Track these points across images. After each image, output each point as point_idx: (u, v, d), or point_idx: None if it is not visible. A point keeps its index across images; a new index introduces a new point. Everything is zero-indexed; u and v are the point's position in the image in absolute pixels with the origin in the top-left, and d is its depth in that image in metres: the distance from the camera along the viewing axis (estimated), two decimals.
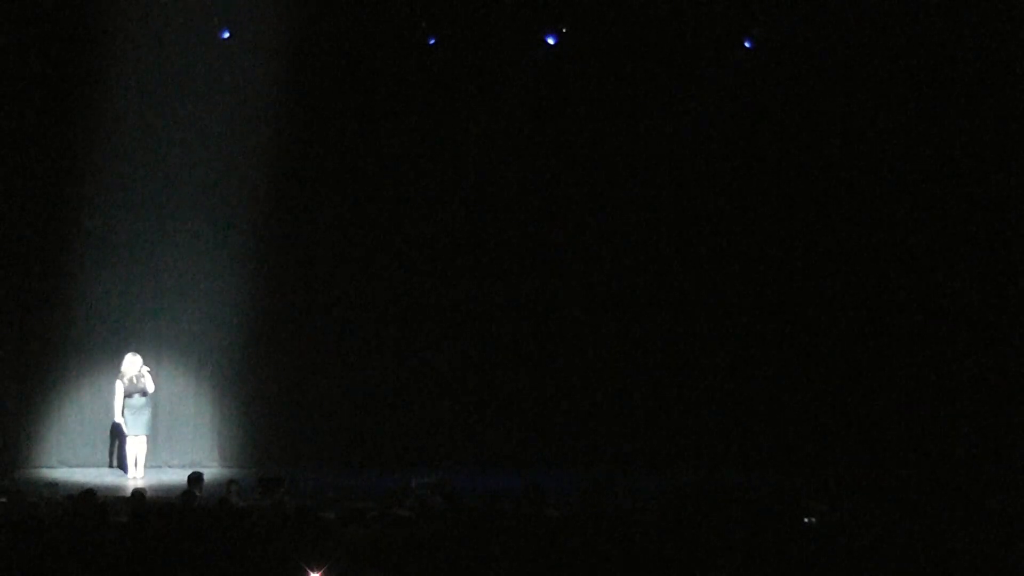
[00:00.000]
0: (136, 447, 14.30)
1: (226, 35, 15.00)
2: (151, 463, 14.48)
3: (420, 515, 9.33)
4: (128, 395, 14.29)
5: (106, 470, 14.66)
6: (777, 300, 15.59)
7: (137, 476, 14.17)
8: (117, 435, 14.64)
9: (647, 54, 15.49)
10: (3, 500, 10.36)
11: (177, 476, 13.66)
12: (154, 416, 14.52)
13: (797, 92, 15.56)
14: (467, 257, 15.56)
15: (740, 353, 15.55)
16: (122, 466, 14.54)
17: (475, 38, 15.38)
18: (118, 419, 14.32)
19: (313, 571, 7.48)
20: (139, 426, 14.30)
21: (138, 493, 10.44)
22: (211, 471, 13.86)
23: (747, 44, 15.48)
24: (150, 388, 14.37)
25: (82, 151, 14.91)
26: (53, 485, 12.96)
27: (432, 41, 15.32)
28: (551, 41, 15.42)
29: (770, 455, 14.99)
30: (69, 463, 14.77)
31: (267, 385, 15.23)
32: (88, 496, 9.89)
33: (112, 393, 14.36)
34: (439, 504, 10.59)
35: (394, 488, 11.89)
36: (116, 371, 14.40)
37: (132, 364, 14.32)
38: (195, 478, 11.69)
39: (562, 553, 8.17)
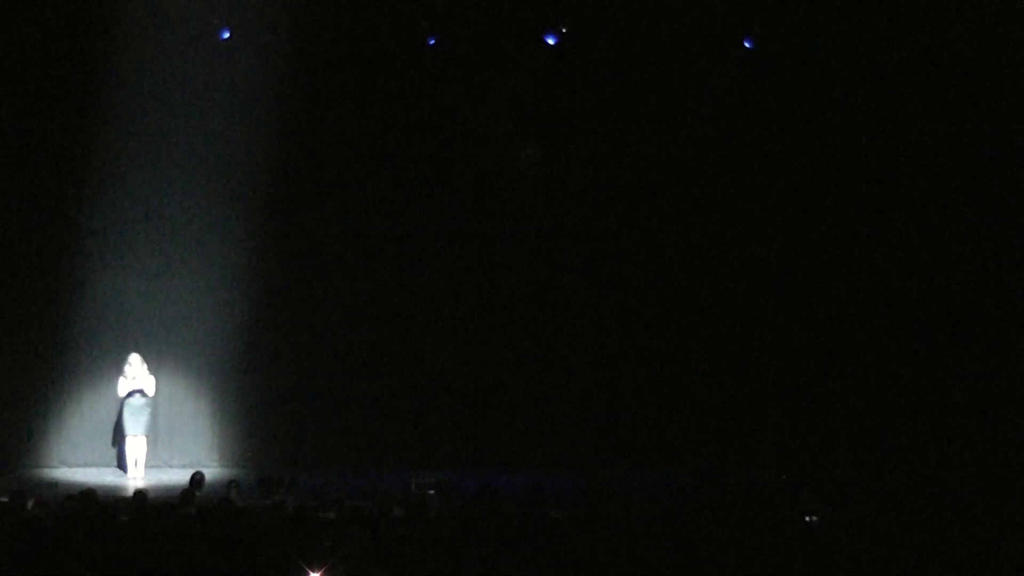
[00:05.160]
0: (136, 447, 14.30)
1: (226, 35, 15.01)
2: (151, 463, 14.49)
3: (419, 515, 9.32)
4: (128, 395, 14.31)
5: (106, 470, 14.65)
6: (778, 299, 15.60)
7: (137, 476, 14.17)
8: (118, 433, 14.64)
9: (647, 54, 15.51)
10: (3, 500, 10.35)
11: (177, 476, 13.67)
12: (154, 417, 14.53)
13: (796, 92, 15.58)
14: (467, 257, 15.57)
15: (741, 353, 15.57)
16: (122, 466, 14.55)
17: (475, 38, 15.39)
18: (122, 395, 14.31)
19: (313, 571, 7.48)
20: (139, 426, 14.31)
21: (139, 493, 10.43)
22: (211, 471, 13.85)
23: (747, 44, 15.50)
24: (150, 391, 14.37)
25: (83, 151, 14.91)
26: (53, 485, 12.97)
27: (432, 41, 15.32)
28: (551, 41, 15.43)
29: (771, 454, 15.00)
30: (69, 463, 14.78)
31: (267, 385, 15.23)
32: (88, 496, 9.89)
33: (116, 391, 14.40)
34: (439, 504, 10.59)
35: (394, 488, 11.90)
36: (118, 371, 14.41)
37: (134, 364, 14.33)
38: (198, 479, 11.69)
39: (562, 553, 8.17)
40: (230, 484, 11.75)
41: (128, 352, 14.41)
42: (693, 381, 15.52)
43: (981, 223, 15.44)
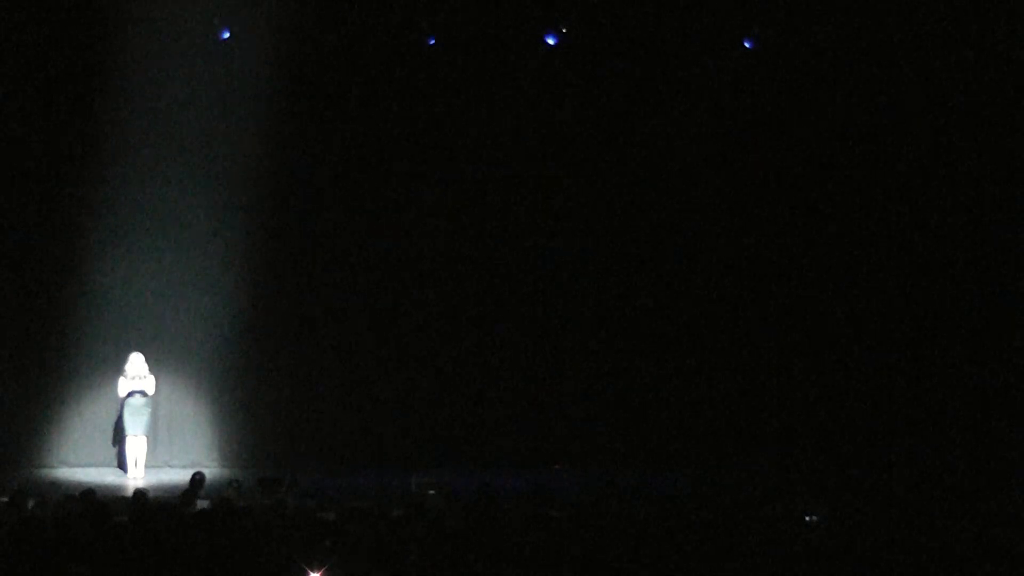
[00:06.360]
0: (136, 447, 14.31)
1: (226, 35, 15.02)
2: (151, 463, 14.49)
3: (419, 515, 9.33)
4: (128, 394, 14.31)
5: (106, 470, 14.66)
6: (778, 300, 15.61)
7: (137, 476, 14.17)
8: (118, 433, 14.64)
9: (647, 54, 15.51)
10: (4, 500, 10.36)
11: (177, 476, 13.67)
12: (154, 416, 14.53)
13: (796, 93, 15.60)
14: (467, 257, 15.57)
15: (741, 353, 15.57)
16: (122, 466, 14.55)
17: (475, 38, 15.39)
18: (122, 395, 14.30)
19: (313, 571, 7.48)
20: (139, 426, 14.31)
21: (139, 493, 10.44)
22: (211, 471, 13.85)
23: (747, 44, 15.50)
24: (150, 390, 14.38)
25: (83, 151, 14.92)
26: (53, 485, 12.97)
27: (432, 41, 15.33)
28: (551, 41, 15.43)
29: (771, 454, 14.99)
30: (69, 463, 14.78)
31: (267, 385, 15.23)
32: (88, 496, 9.89)
33: (116, 391, 14.40)
34: (439, 504, 10.59)
35: (394, 488, 11.89)
36: (118, 371, 14.40)
37: (135, 364, 14.33)
38: (198, 479, 11.68)
39: (562, 553, 8.17)
40: (230, 484, 11.74)
41: (128, 352, 14.41)
42: (693, 381, 15.51)
43: (983, 222, 15.47)
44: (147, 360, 14.42)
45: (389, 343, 15.42)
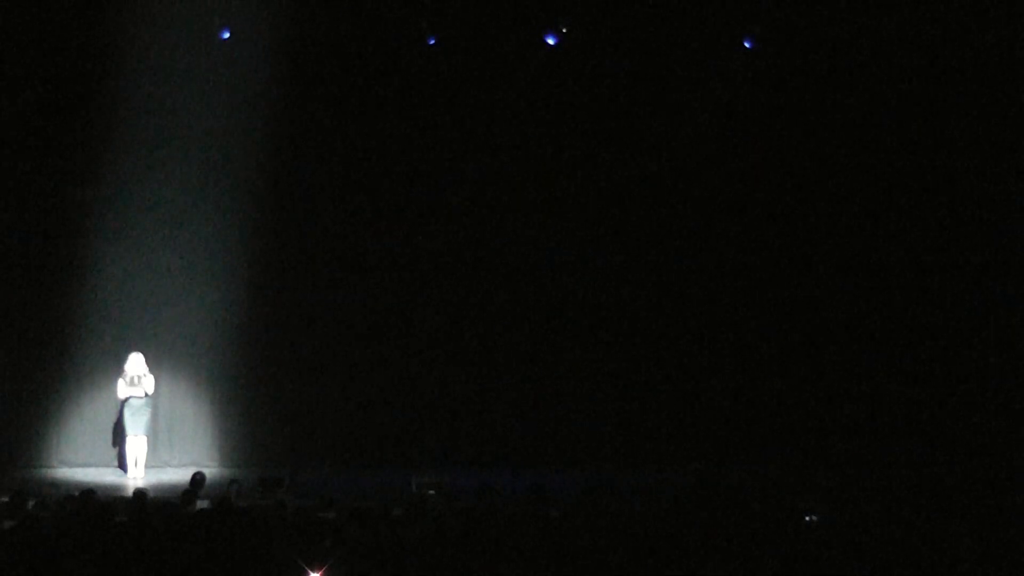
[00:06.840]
0: (136, 447, 14.31)
1: (226, 35, 15.02)
2: (151, 463, 14.49)
3: (419, 515, 9.33)
4: (129, 395, 14.31)
5: (106, 470, 14.66)
6: (778, 299, 15.61)
7: (137, 476, 14.17)
8: (118, 433, 14.64)
9: (647, 54, 15.52)
10: (4, 500, 10.36)
11: (177, 476, 13.67)
12: (154, 416, 14.53)
13: (797, 93, 15.60)
14: (467, 257, 15.58)
15: (742, 352, 15.57)
16: (122, 466, 14.55)
17: (475, 38, 15.40)
18: (121, 396, 14.30)
19: (313, 571, 7.49)
20: (139, 426, 14.30)
21: (139, 493, 10.44)
22: (211, 471, 13.85)
23: (747, 44, 15.51)
24: (150, 389, 14.38)
25: (83, 152, 14.93)
26: (53, 485, 12.96)
27: (432, 41, 15.33)
28: (551, 41, 15.43)
29: (771, 454, 14.99)
30: (69, 463, 14.77)
31: (267, 385, 15.23)
32: (88, 496, 9.89)
33: (115, 392, 14.39)
34: (439, 504, 10.59)
35: (394, 488, 11.89)
36: (118, 371, 14.40)
37: (135, 364, 14.33)
38: (198, 479, 11.69)
39: (562, 553, 8.17)
40: (230, 484, 11.74)
41: (128, 352, 14.41)
42: (693, 381, 15.51)
43: (983, 222, 15.47)
44: (147, 360, 14.42)
45: (389, 343, 15.42)
